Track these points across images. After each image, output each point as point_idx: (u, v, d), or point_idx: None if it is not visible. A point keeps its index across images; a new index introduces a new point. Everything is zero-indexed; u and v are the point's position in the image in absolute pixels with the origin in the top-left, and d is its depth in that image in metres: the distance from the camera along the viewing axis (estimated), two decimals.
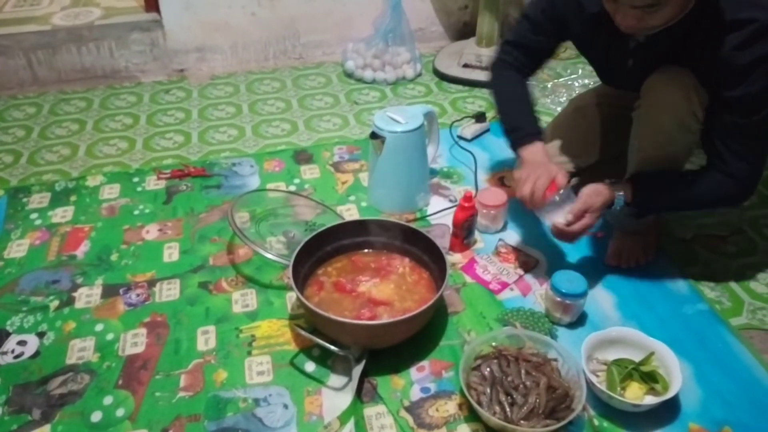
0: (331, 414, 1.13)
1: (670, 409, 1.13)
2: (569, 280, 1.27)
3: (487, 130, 1.99)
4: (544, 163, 1.30)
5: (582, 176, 1.58)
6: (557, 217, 1.27)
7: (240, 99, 2.25)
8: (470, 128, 1.96)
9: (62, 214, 1.66)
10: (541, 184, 1.25)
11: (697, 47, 1.17)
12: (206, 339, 1.29)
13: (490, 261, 1.48)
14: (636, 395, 1.12)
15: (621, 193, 1.28)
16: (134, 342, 1.29)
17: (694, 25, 1.15)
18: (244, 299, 1.39)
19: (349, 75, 2.39)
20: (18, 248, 1.54)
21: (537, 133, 1.37)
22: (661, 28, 1.14)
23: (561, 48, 1.53)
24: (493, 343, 1.20)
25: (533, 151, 1.34)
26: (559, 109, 2.04)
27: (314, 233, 1.36)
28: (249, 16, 2.40)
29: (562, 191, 1.27)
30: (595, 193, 1.27)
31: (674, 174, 1.30)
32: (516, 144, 1.38)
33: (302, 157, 1.89)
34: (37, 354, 1.27)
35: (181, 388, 1.19)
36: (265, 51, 2.49)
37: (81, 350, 1.27)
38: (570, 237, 1.29)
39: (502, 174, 1.78)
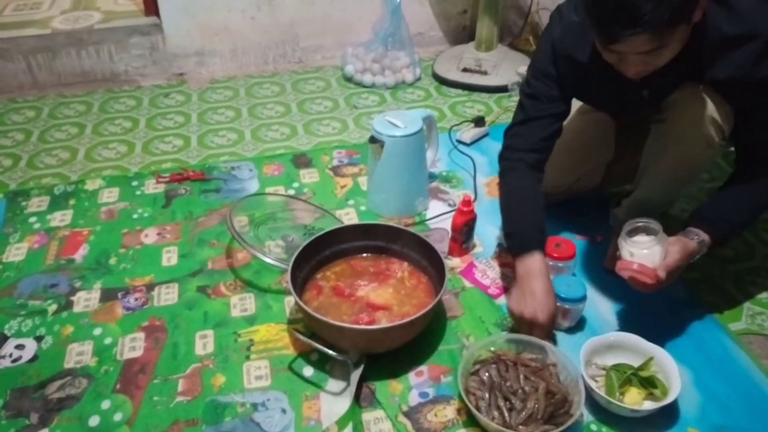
0: (329, 419, 1.13)
1: (668, 414, 1.13)
2: (568, 285, 1.27)
3: (486, 135, 1.99)
4: (536, 292, 1.21)
5: (581, 180, 1.57)
6: (641, 252, 1.16)
7: (239, 103, 2.25)
8: (469, 132, 1.96)
9: (61, 218, 1.66)
10: (544, 329, 1.20)
11: (706, 65, 1.16)
12: (204, 343, 1.29)
13: (489, 265, 1.48)
14: (635, 400, 1.12)
15: (702, 245, 1.20)
16: (132, 346, 1.29)
17: (698, 44, 1.13)
18: (243, 303, 1.39)
19: (349, 79, 2.39)
20: (16, 252, 1.54)
21: (536, 240, 1.27)
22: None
23: None
24: (492, 348, 1.20)
25: (529, 265, 1.24)
26: None
27: (313, 237, 1.36)
28: (248, 21, 2.40)
29: (652, 225, 1.17)
30: (687, 256, 1.18)
31: (731, 197, 1.25)
32: (513, 251, 1.30)
33: (301, 161, 1.89)
34: (35, 358, 1.26)
35: (179, 392, 1.19)
36: (265, 55, 2.49)
37: (79, 354, 1.27)
38: (644, 287, 1.16)
39: None
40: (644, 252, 1.15)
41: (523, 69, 2.26)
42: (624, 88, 1.26)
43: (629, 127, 1.46)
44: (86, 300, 1.40)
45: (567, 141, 1.57)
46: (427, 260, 1.36)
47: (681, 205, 1.66)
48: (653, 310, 1.35)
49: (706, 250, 1.22)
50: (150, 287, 1.43)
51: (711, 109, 1.20)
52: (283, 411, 1.15)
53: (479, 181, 1.77)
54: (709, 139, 1.22)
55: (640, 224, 1.18)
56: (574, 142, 1.57)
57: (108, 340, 1.30)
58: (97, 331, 1.32)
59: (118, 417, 1.14)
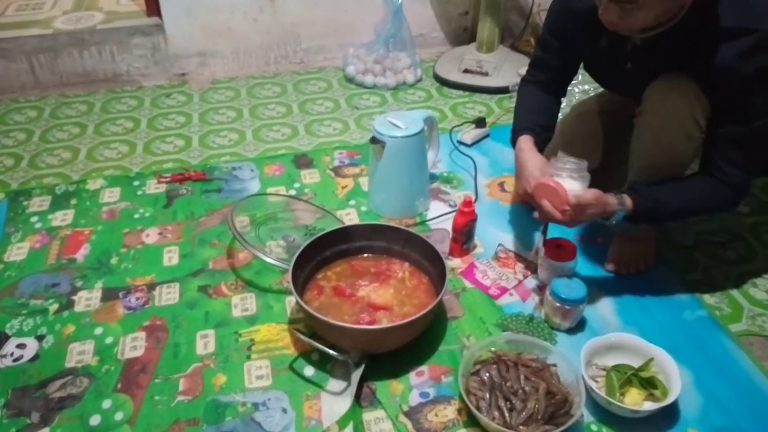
0: (329, 419, 1.13)
1: (669, 415, 1.13)
2: (569, 286, 1.27)
3: (487, 136, 1.99)
4: (522, 167, 1.34)
5: None
6: (564, 179, 1.25)
7: (241, 103, 2.25)
8: (470, 133, 1.96)
9: (62, 218, 1.66)
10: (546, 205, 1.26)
11: (698, 54, 1.17)
12: (205, 343, 1.29)
13: (490, 266, 1.48)
14: (635, 401, 1.12)
15: (622, 206, 1.24)
16: (133, 346, 1.29)
17: (694, 32, 1.15)
18: (244, 303, 1.39)
19: (350, 80, 2.39)
20: (18, 251, 1.54)
21: (524, 129, 1.41)
22: (647, 30, 1.15)
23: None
24: (493, 348, 1.20)
25: (519, 148, 1.39)
26: (560, 115, 2.04)
27: (314, 238, 1.36)
28: (250, 22, 2.41)
29: (578, 162, 1.27)
30: (602, 201, 1.23)
31: (671, 183, 1.28)
32: (511, 143, 1.45)
33: (302, 161, 1.89)
34: (36, 357, 1.27)
35: (180, 392, 1.19)
36: (267, 56, 2.50)
37: (80, 354, 1.27)
38: (552, 214, 1.24)
39: (502, 179, 1.79)
40: (563, 175, 1.25)
41: (524, 70, 2.26)
42: (610, 50, 1.30)
43: (628, 129, 1.47)
44: (87, 299, 1.40)
45: (563, 142, 1.59)
46: (427, 261, 1.36)
47: None
48: (654, 311, 1.36)
49: (623, 214, 1.24)
50: (151, 287, 1.43)
51: (688, 100, 1.21)
52: (284, 411, 1.15)
53: (480, 181, 1.77)
54: (685, 131, 1.23)
55: (572, 165, 1.26)
56: (571, 143, 1.58)
57: (109, 340, 1.30)
58: (98, 331, 1.32)
59: (119, 416, 1.15)
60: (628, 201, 1.24)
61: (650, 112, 1.28)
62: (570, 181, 1.24)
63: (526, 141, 1.38)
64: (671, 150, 1.26)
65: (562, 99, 1.55)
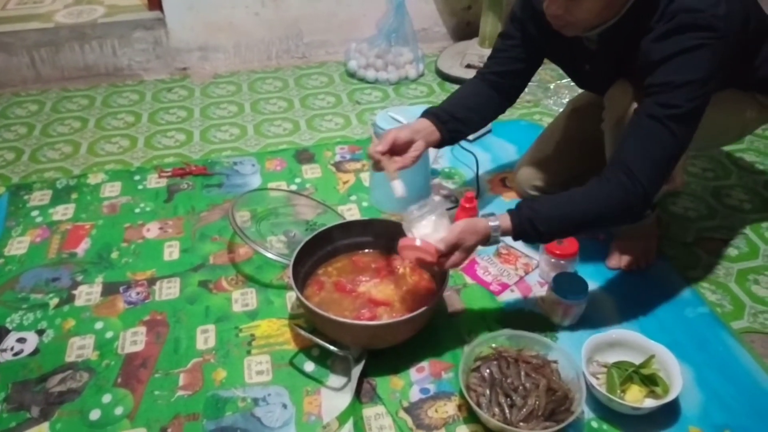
0: (329, 414, 1.13)
1: (670, 412, 1.13)
2: (570, 282, 1.26)
3: (489, 131, 1.98)
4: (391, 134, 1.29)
5: (576, 181, 1.56)
6: (422, 229, 1.14)
7: (242, 98, 2.25)
8: None
9: (63, 212, 1.66)
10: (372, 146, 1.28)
11: (636, 52, 1.16)
12: (206, 338, 1.29)
13: (491, 262, 1.47)
14: (636, 398, 1.12)
15: (494, 224, 1.12)
16: (134, 340, 1.29)
17: (634, 31, 1.15)
18: (244, 298, 1.39)
19: (352, 75, 2.39)
20: (19, 245, 1.54)
21: (432, 113, 1.36)
22: (590, 28, 1.16)
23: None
24: (493, 345, 1.20)
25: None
26: (561, 110, 2.04)
27: (315, 233, 1.36)
28: (252, 16, 2.40)
29: (425, 202, 1.17)
30: (470, 230, 1.12)
31: (563, 194, 1.17)
32: None
33: (304, 156, 1.89)
34: (36, 351, 1.27)
35: (180, 386, 1.19)
36: (268, 50, 2.49)
37: (80, 348, 1.27)
38: (429, 264, 1.15)
39: (503, 175, 1.78)
40: (423, 223, 1.14)
41: None
42: (570, 53, 1.31)
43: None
44: (88, 294, 1.40)
45: (554, 138, 1.59)
46: None
47: (684, 203, 1.66)
48: (655, 308, 1.35)
49: (498, 234, 1.13)
50: (151, 281, 1.43)
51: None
52: (284, 406, 1.15)
53: (481, 177, 1.76)
54: None
55: (420, 210, 1.16)
56: (560, 138, 1.58)
57: (109, 334, 1.30)
58: (99, 325, 1.32)
59: (119, 411, 1.15)
60: (502, 218, 1.13)
61: (608, 116, 1.29)
62: (428, 226, 1.14)
63: (419, 122, 1.33)
64: None
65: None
